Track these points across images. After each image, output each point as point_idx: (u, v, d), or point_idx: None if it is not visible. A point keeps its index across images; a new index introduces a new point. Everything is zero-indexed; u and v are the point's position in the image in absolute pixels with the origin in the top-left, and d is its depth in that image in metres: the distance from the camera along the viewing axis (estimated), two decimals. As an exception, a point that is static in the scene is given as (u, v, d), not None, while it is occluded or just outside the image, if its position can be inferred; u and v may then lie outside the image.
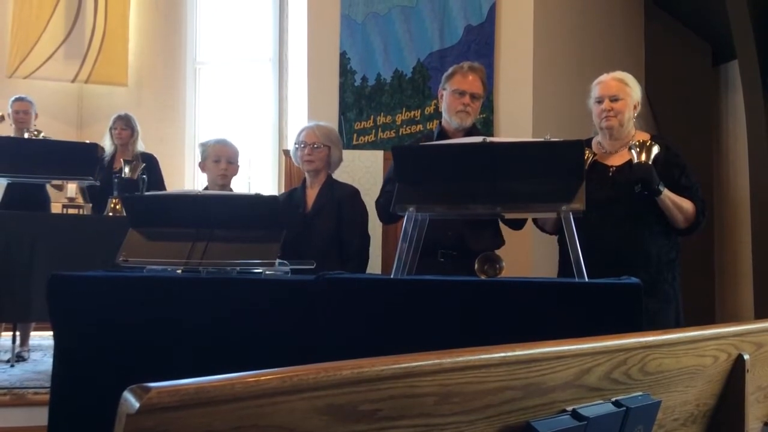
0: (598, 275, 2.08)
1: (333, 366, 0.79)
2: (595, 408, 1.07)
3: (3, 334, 4.13)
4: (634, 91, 2.71)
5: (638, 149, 2.51)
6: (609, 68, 2.82)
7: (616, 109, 2.66)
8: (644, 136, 2.73)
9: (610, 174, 2.67)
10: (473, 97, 2.86)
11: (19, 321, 4.07)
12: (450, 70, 2.94)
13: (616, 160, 2.70)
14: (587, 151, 2.59)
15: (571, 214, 2.04)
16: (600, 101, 2.69)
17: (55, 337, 2.45)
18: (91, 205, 4.40)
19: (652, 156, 2.50)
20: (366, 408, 0.82)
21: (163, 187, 4.46)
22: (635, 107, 2.70)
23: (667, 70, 5.05)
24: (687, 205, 2.59)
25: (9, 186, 3.94)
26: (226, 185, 3.40)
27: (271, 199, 2.53)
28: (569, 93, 4.45)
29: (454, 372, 0.90)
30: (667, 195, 2.53)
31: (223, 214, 2.42)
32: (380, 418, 0.83)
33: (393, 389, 0.84)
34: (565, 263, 2.55)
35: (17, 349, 4.18)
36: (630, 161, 2.60)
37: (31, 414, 3.15)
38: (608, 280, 2.04)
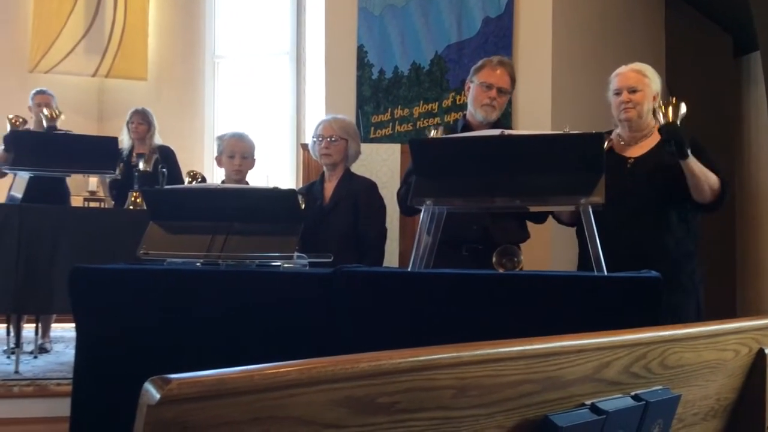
0: (617, 268, 2.07)
1: (351, 359, 0.79)
2: (615, 402, 1.06)
3: (26, 326, 4.19)
4: (653, 82, 2.68)
5: (664, 109, 2.45)
6: (628, 60, 2.80)
7: (635, 101, 2.64)
8: None
9: (628, 166, 2.65)
10: (500, 91, 2.83)
11: (42, 313, 4.12)
12: (479, 62, 2.91)
13: (635, 152, 2.67)
14: (607, 138, 2.54)
15: (590, 207, 2.03)
16: (618, 93, 2.67)
17: (77, 329, 2.48)
18: (113, 201, 4.44)
19: (680, 115, 2.42)
20: (384, 401, 0.82)
21: (181, 180, 4.48)
22: (654, 98, 2.67)
23: (688, 61, 4.98)
24: (712, 176, 2.51)
25: (30, 180, 3.98)
26: (241, 180, 3.42)
27: (289, 192, 2.54)
28: (588, 85, 4.41)
29: (472, 365, 0.90)
30: (693, 160, 2.46)
31: (242, 208, 2.43)
32: (398, 410, 0.84)
33: (411, 382, 0.84)
34: (584, 257, 2.53)
35: (40, 341, 4.24)
36: (649, 152, 2.57)
37: (54, 405, 3.20)
38: (627, 274, 2.03)
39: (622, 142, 2.71)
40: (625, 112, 2.65)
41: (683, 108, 2.44)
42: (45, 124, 4.39)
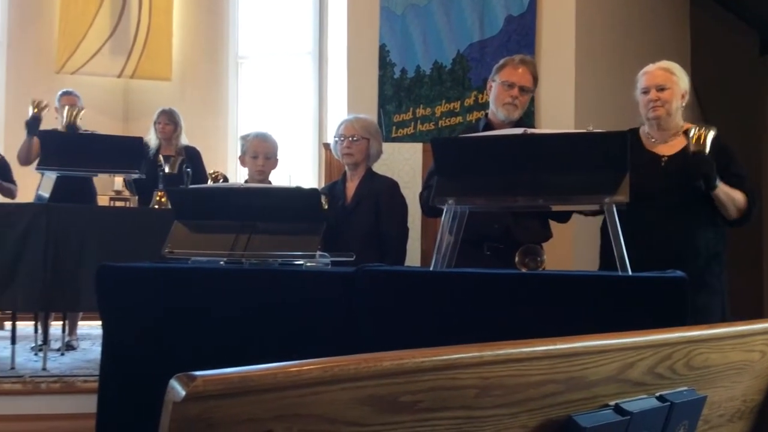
0: (646, 267, 2.05)
1: (373, 357, 0.79)
2: (639, 403, 1.05)
3: (53, 323, 4.25)
4: (681, 80, 2.65)
5: (694, 138, 2.44)
6: (653, 58, 2.77)
7: (663, 99, 2.61)
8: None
9: (662, 164, 2.62)
10: (522, 90, 2.82)
11: (69, 311, 4.18)
12: (501, 61, 2.90)
13: (667, 150, 2.65)
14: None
15: (614, 206, 2.01)
16: (646, 91, 2.64)
17: (104, 326, 2.51)
18: (137, 197, 4.49)
19: (709, 143, 2.43)
20: (407, 399, 0.82)
21: (206, 180, 4.52)
22: (683, 97, 2.65)
23: (714, 58, 4.92)
24: (739, 196, 2.54)
25: (58, 179, 4.05)
26: (264, 180, 3.44)
27: (312, 192, 2.55)
28: (612, 84, 4.38)
29: (495, 365, 0.90)
30: (721, 188, 2.48)
31: (265, 207, 2.45)
32: (421, 409, 0.84)
33: (433, 381, 0.84)
34: (606, 255, 2.51)
35: (67, 338, 4.31)
36: (681, 151, 2.54)
37: (81, 401, 3.24)
38: (653, 274, 2.01)
39: (653, 140, 2.69)
40: (653, 110, 2.62)
41: (712, 134, 2.43)
42: (64, 122, 4.45)
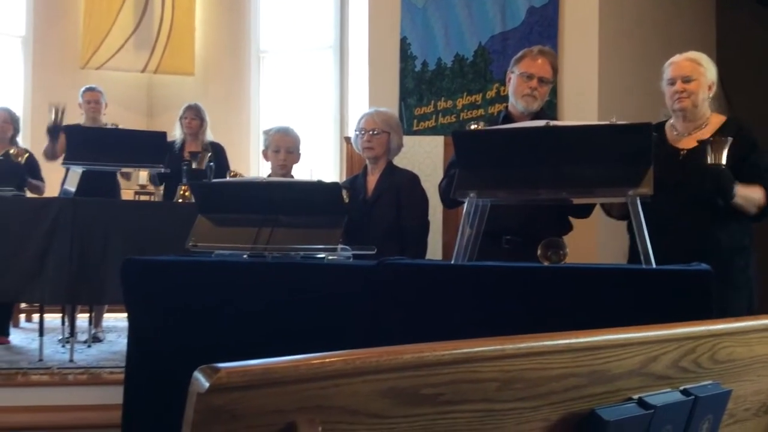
0: (666, 261, 2.03)
1: (395, 350, 0.80)
2: (663, 396, 1.04)
3: (80, 316, 4.32)
4: (708, 71, 2.61)
5: (710, 147, 2.40)
6: (678, 49, 2.73)
7: (689, 90, 2.57)
8: (720, 119, 2.63)
9: (680, 157, 2.59)
10: (541, 81, 2.80)
11: (95, 303, 4.24)
12: (520, 53, 2.88)
13: (689, 143, 2.61)
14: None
15: (638, 199, 1.99)
16: (672, 82, 2.61)
17: (129, 319, 2.55)
18: (162, 189, 4.53)
19: (724, 154, 2.39)
20: (428, 392, 0.83)
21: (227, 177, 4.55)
22: (710, 88, 2.61)
23: (740, 48, 4.84)
24: (757, 194, 2.52)
25: (84, 174, 4.10)
26: (286, 174, 3.45)
27: (333, 186, 2.57)
28: (636, 75, 4.33)
29: (516, 358, 0.90)
30: (739, 194, 2.44)
31: (287, 201, 2.46)
32: (442, 402, 0.84)
33: (454, 374, 0.84)
34: (634, 250, 2.49)
35: (93, 331, 4.37)
36: (700, 143, 2.51)
37: (107, 392, 3.29)
38: (677, 267, 1.99)
39: (676, 133, 2.66)
40: (679, 102, 2.59)
41: (727, 144, 2.38)
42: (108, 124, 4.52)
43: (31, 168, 4.48)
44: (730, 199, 2.43)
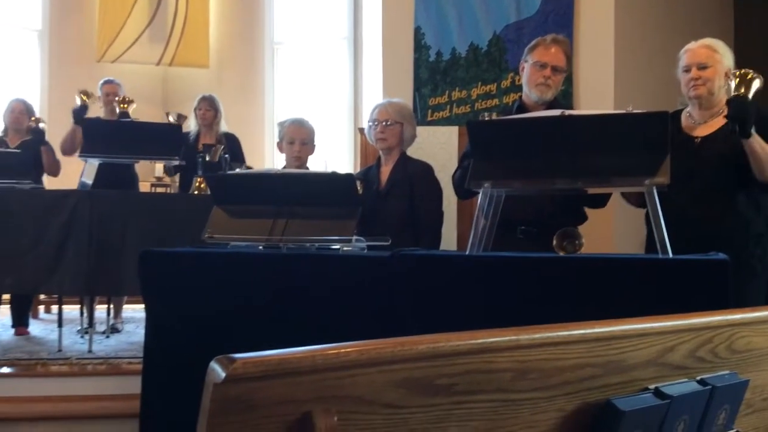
0: (682, 251, 2.01)
1: (409, 340, 0.80)
2: (679, 387, 1.04)
3: (98, 307, 4.36)
4: (724, 57, 2.57)
5: (738, 80, 2.34)
6: (695, 36, 2.69)
7: (705, 78, 2.54)
8: None
9: (695, 145, 2.56)
10: (555, 70, 2.78)
11: (113, 295, 4.29)
12: (533, 42, 2.86)
13: (704, 131, 2.58)
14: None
15: (654, 188, 1.98)
16: (687, 70, 2.58)
17: (147, 309, 2.57)
18: (177, 181, 4.56)
19: (752, 91, 2.32)
20: (443, 382, 0.83)
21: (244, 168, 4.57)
22: (726, 75, 2.57)
23: (758, 35, 4.77)
24: None
25: (100, 166, 4.14)
26: (301, 166, 3.46)
27: (347, 177, 2.57)
28: (653, 63, 4.28)
29: (531, 348, 0.90)
30: (756, 139, 2.36)
31: (301, 192, 2.47)
32: (457, 392, 0.84)
33: (469, 364, 0.85)
34: (651, 240, 2.47)
35: (111, 321, 4.42)
36: (717, 131, 2.48)
37: (125, 382, 3.32)
38: (694, 256, 1.98)
39: (692, 122, 2.63)
40: (694, 89, 2.56)
41: (758, 82, 2.33)
42: (117, 111, 4.54)
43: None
44: (747, 133, 2.32)
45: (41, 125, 4.49)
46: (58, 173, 4.61)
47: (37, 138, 4.43)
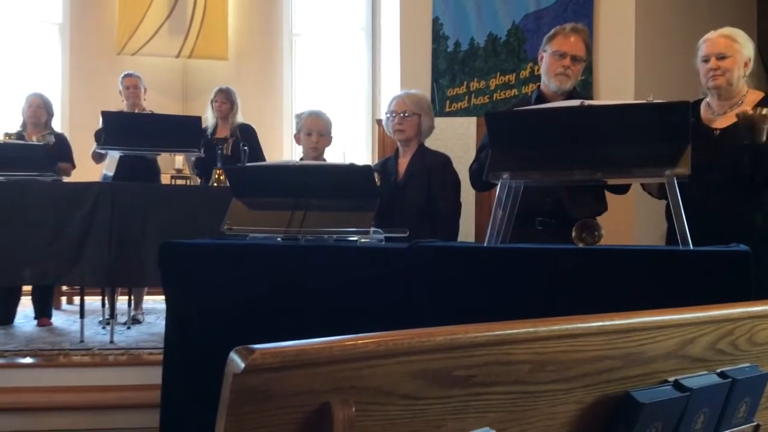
0: (701, 243, 1.99)
1: (427, 332, 0.80)
2: (699, 379, 1.03)
3: (119, 298, 4.41)
4: (744, 47, 2.54)
5: (748, 121, 2.33)
6: (716, 25, 2.66)
7: (724, 68, 2.51)
8: (757, 95, 2.56)
9: (714, 137, 2.53)
10: (574, 59, 2.75)
11: (134, 286, 4.33)
12: (552, 31, 2.84)
13: (723, 122, 2.55)
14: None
15: (675, 179, 1.96)
16: (706, 60, 2.55)
17: (167, 300, 2.59)
18: (198, 176, 4.59)
19: (765, 129, 2.31)
20: (460, 373, 0.83)
21: (262, 157, 4.59)
22: (746, 65, 2.53)
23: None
24: None
25: (121, 158, 4.17)
26: (318, 157, 3.47)
27: (365, 168, 2.57)
28: (673, 52, 4.23)
29: (549, 340, 0.90)
30: None
31: (319, 184, 2.47)
32: (474, 383, 0.84)
33: (487, 356, 0.85)
34: (672, 232, 2.44)
35: (132, 313, 4.47)
36: (736, 122, 2.45)
37: (146, 373, 3.36)
38: (715, 248, 1.95)
39: (711, 112, 2.60)
40: (713, 79, 2.53)
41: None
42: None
43: (62, 148, 4.54)
44: (759, 139, 2.32)
45: (50, 138, 4.47)
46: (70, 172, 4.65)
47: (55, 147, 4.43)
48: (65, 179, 4.42)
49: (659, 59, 4.44)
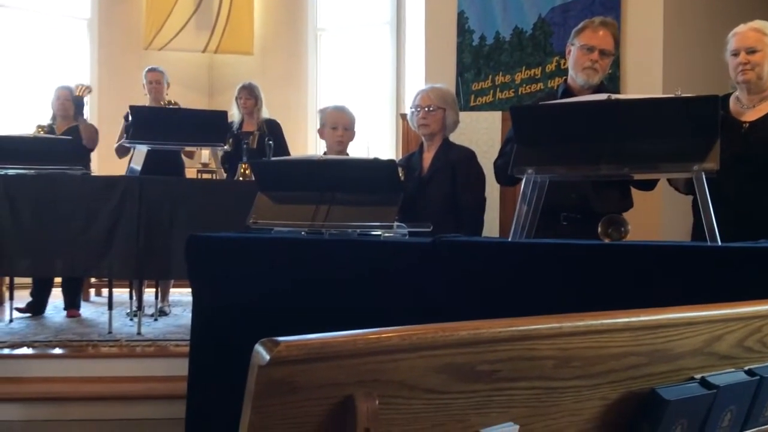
0: (727, 238, 1.96)
1: (451, 326, 0.80)
2: (726, 376, 1.02)
3: (147, 290, 4.47)
4: None
5: None
6: (744, 17, 2.61)
7: (753, 62, 2.47)
8: None
9: (743, 130, 2.49)
10: (602, 53, 2.72)
11: (161, 279, 4.39)
12: (580, 24, 2.81)
13: (752, 116, 2.51)
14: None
15: (703, 174, 1.93)
16: (736, 54, 2.51)
17: (193, 293, 2.62)
18: (223, 170, 4.63)
19: None
20: (484, 368, 0.83)
21: (287, 152, 4.62)
22: None
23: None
24: None
25: (148, 153, 4.22)
26: (342, 152, 3.47)
27: (389, 163, 2.57)
28: (702, 46, 4.16)
29: (574, 336, 0.89)
30: None
31: (343, 178, 2.48)
32: (498, 378, 0.84)
33: (511, 351, 0.84)
34: (698, 227, 2.41)
35: (160, 305, 4.52)
36: (766, 115, 2.41)
37: (173, 364, 3.40)
38: (744, 244, 1.92)
39: (741, 106, 2.56)
40: (742, 74, 2.49)
41: None
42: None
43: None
44: None
45: (85, 98, 4.60)
46: (96, 144, 4.71)
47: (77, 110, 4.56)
48: (96, 172, 4.49)
49: (687, 53, 4.38)
